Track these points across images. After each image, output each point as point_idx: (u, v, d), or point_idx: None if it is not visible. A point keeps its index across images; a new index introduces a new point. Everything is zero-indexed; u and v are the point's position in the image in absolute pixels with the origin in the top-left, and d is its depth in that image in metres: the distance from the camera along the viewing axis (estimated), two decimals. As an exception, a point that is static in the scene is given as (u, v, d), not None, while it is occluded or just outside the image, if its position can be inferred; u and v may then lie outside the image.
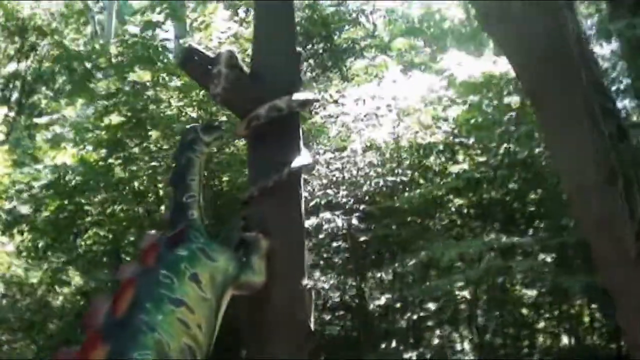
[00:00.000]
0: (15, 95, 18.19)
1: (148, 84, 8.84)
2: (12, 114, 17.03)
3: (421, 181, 8.21)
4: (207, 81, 4.89)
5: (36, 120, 14.16)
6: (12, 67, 17.69)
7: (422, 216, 8.06)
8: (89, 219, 9.42)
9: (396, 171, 7.85)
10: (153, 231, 5.22)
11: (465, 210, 8.41)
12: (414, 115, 7.94)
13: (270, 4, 5.40)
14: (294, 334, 4.74)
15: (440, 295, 7.41)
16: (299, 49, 5.60)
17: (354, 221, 7.37)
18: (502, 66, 7.39)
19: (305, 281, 4.93)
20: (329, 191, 7.51)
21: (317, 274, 7.37)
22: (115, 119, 8.86)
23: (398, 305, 7.59)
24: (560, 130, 3.87)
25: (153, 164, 8.87)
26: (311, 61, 16.60)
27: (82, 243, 9.83)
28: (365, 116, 8.00)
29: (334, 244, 7.68)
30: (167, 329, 3.97)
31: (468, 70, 7.56)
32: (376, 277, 7.89)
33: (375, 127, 7.98)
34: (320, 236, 7.32)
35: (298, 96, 5.06)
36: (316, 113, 8.94)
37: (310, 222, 7.07)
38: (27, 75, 16.83)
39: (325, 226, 7.23)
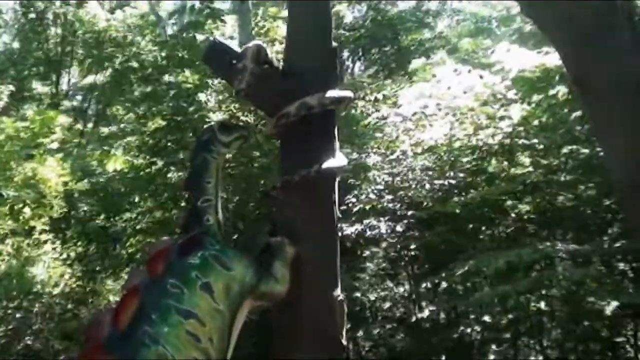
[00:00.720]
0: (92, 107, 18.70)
1: (189, 86, 8.72)
2: (90, 124, 17.77)
3: (477, 185, 7.82)
4: (232, 77, 4.66)
5: (107, 129, 14.57)
6: (89, 79, 18.33)
7: (478, 222, 7.70)
8: (137, 226, 9.52)
9: (449, 174, 7.48)
10: (165, 237, 5.02)
11: (526, 217, 7.97)
12: (469, 114, 7.57)
13: (305, -4, 5.13)
14: (323, 348, 4.46)
15: (492, 307, 6.97)
16: (335, 43, 5.31)
17: (403, 227, 7.05)
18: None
19: (337, 291, 4.63)
20: (375, 196, 7.21)
21: (362, 284, 7.11)
22: (158, 122, 8.81)
23: (449, 317, 7.21)
24: (610, 121, 3.47)
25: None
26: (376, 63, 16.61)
27: (124, 252, 9.83)
28: (414, 115, 7.68)
29: (381, 253, 7.39)
30: (174, 342, 3.73)
31: (522, 63, 7.12)
32: (427, 287, 7.53)
33: (427, 128, 7.68)
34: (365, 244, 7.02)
35: (331, 93, 4.76)
36: (367, 114, 8.79)
37: (353, 229, 6.87)
38: (104, 86, 17.19)
39: (370, 233, 6.92)
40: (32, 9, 21.19)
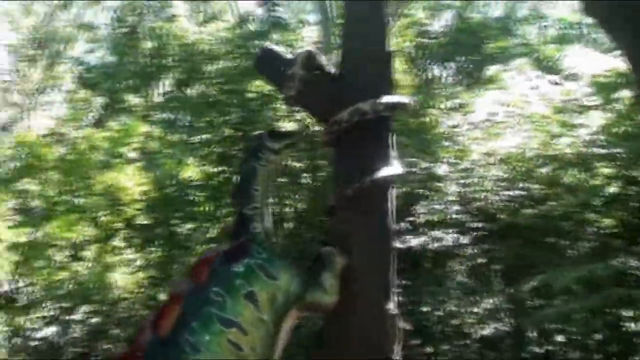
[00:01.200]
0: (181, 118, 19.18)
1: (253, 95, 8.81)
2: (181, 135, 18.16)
3: (553, 196, 7.49)
4: (282, 84, 4.61)
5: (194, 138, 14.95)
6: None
7: (554, 235, 7.36)
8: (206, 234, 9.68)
9: (522, 185, 7.20)
10: (213, 245, 5.00)
11: (608, 230, 7.58)
12: (543, 122, 7.28)
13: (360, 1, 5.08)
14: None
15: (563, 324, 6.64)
16: (390, 49, 5.18)
17: (471, 240, 6.83)
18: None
19: (390, 305, 4.49)
20: (444, 206, 7.01)
21: (429, 298, 6.91)
22: (226, 132, 8.95)
23: (520, 334, 6.91)
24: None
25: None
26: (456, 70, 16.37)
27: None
28: (486, 123, 7.45)
29: (448, 266, 7.18)
30: (215, 350, 3.67)
31: (595, 67, 6.78)
32: (496, 302, 7.26)
33: (499, 136, 7.45)
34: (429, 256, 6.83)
35: (386, 99, 4.64)
36: (440, 123, 8.63)
37: (418, 241, 6.72)
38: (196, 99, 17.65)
39: (436, 245, 6.72)
40: (125, 23, 22.32)
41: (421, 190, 8.15)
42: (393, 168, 4.68)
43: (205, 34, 17.68)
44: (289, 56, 4.77)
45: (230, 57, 11.97)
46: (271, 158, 4.47)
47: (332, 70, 4.82)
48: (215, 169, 10.35)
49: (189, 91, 16.98)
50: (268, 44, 5.01)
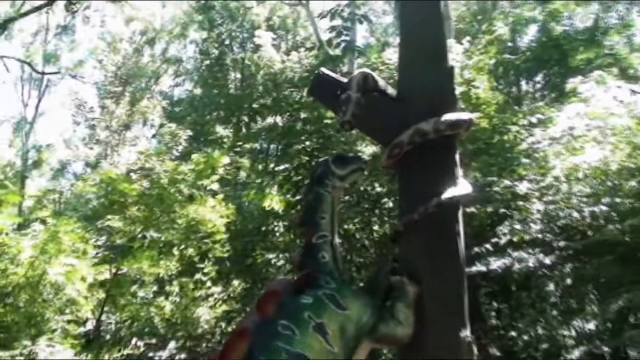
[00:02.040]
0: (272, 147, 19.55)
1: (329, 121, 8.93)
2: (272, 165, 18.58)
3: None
4: (338, 109, 4.55)
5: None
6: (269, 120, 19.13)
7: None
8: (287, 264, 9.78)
9: (607, 200, 6.87)
10: (280, 277, 4.93)
11: None
12: (627, 134, 6.94)
13: (416, 11, 4.98)
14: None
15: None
16: (452, 63, 5.05)
17: (555, 259, 6.54)
18: None
19: (465, 331, 4.30)
20: (525, 226, 6.76)
21: (514, 321, 6.65)
22: (300, 159, 9.12)
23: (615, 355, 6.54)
24: None
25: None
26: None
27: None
28: (566, 137, 7.17)
29: (534, 287, 6.90)
30: None
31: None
32: (582, 324, 6.92)
33: (581, 150, 7.14)
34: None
35: (448, 117, 4.51)
36: (521, 140, 8.42)
37: (500, 263, 6.49)
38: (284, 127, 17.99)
39: (518, 266, 6.48)
40: (210, 56, 22.79)
41: (503, 210, 7.98)
42: (460, 188, 4.53)
43: (290, 62, 18.04)
44: (344, 79, 4.71)
45: (308, 83, 12.11)
46: (337, 184, 4.44)
47: (390, 90, 4.74)
48: (294, 198, 10.45)
49: (271, 119, 17.35)
50: (323, 69, 4.91)
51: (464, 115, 4.73)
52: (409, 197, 4.59)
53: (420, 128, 4.42)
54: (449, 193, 4.41)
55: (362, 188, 10.06)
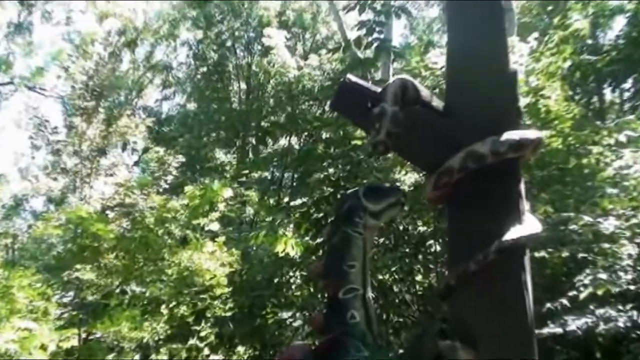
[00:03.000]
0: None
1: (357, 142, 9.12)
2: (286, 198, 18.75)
3: None
4: (369, 125, 4.53)
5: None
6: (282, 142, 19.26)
7: None
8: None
9: None
10: (299, 342, 4.98)
11: None
12: None
13: (468, 3, 5.01)
14: None
15: None
16: (514, 67, 5.08)
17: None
18: None
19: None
20: (608, 275, 6.74)
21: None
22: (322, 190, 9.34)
23: None
24: None
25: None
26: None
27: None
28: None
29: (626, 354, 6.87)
30: None
31: None
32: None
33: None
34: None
35: (509, 136, 4.53)
36: (605, 164, 8.42)
37: (580, 323, 6.47)
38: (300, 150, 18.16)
39: (604, 327, 6.45)
40: (208, 61, 22.62)
41: (583, 255, 7.95)
42: (527, 227, 4.54)
43: (309, 68, 18.00)
44: (377, 89, 4.72)
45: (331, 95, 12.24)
46: (370, 223, 4.48)
47: (436, 102, 4.77)
48: (315, 241, 10.53)
49: (285, 141, 17.36)
50: (349, 76, 4.94)
51: (531, 134, 4.73)
52: (461, 240, 4.62)
53: (474, 150, 4.45)
54: (513, 234, 4.42)
55: (401, 227, 10.06)
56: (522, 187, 4.69)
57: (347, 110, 5.04)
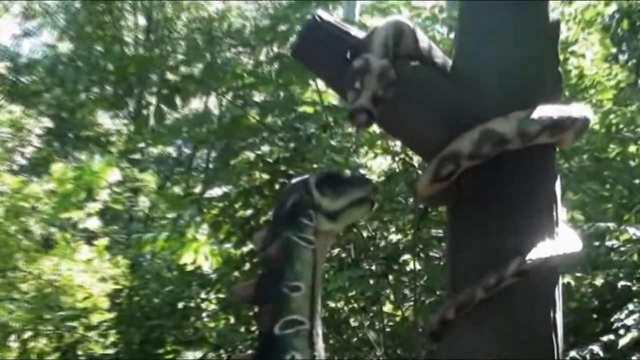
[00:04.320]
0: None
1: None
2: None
3: None
4: (345, 84, 4.50)
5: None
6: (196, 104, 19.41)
7: None
8: None
9: None
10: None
11: None
12: None
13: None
14: None
15: None
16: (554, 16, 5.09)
17: None
18: None
19: None
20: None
21: None
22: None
23: None
24: None
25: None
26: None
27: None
28: None
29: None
30: None
31: None
32: None
33: None
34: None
35: (543, 112, 4.54)
36: None
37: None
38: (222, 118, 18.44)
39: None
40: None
41: (625, 283, 8.08)
42: (562, 243, 4.59)
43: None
44: (359, 34, 4.72)
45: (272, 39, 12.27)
46: (324, 227, 4.51)
47: (440, 59, 4.78)
48: (240, 249, 10.66)
49: (200, 102, 17.24)
50: (321, 12, 4.89)
51: (575, 110, 4.76)
52: (466, 255, 4.66)
53: (493, 129, 4.45)
54: (540, 251, 4.44)
55: (365, 234, 10.14)
56: (558, 186, 4.75)
57: (315, 60, 4.98)
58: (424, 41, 4.70)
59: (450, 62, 4.82)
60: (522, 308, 4.46)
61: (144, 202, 13.47)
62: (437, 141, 4.54)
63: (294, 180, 4.98)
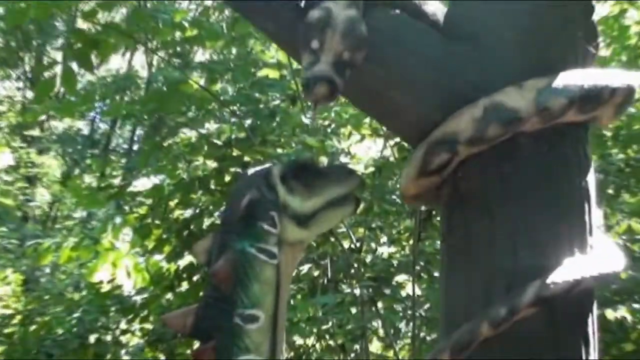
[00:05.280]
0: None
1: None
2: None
3: None
4: (302, 46, 4.53)
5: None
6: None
7: None
8: None
9: None
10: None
11: None
12: None
13: None
14: None
15: None
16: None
17: None
18: None
19: None
20: None
21: None
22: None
23: None
24: None
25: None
26: None
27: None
28: None
29: None
30: None
31: None
32: None
33: None
34: None
35: (572, 79, 4.60)
36: None
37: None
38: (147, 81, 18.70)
39: None
40: None
41: None
42: (598, 259, 4.63)
43: None
44: None
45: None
46: (292, 235, 4.55)
47: (432, 7, 4.88)
48: (176, 263, 10.59)
49: (121, 61, 17.17)
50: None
51: (615, 77, 4.80)
52: (464, 277, 4.72)
53: (501, 104, 4.51)
54: (568, 271, 4.47)
55: (347, 246, 10.14)
56: (592, 180, 4.79)
57: (255, 9, 5.06)
58: None
59: (444, 10, 4.87)
60: (542, 348, 4.48)
61: (43, 195, 13.44)
62: (426, 119, 4.60)
63: (251, 171, 4.90)
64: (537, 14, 4.70)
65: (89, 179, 17.18)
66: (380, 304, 10.18)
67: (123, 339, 11.50)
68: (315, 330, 10.21)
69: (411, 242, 9.85)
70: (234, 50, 11.13)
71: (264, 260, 4.45)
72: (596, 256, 4.59)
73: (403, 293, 10.20)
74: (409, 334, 9.99)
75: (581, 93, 4.54)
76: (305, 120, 10.25)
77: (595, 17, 5.09)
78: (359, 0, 4.45)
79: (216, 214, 10.26)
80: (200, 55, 12.07)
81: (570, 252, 4.51)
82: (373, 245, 10.21)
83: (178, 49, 11.83)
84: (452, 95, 4.55)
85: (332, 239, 9.71)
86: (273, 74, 10.58)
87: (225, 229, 4.61)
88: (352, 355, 10.50)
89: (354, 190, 4.77)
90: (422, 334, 9.73)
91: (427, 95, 4.64)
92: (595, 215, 4.71)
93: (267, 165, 4.84)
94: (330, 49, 4.34)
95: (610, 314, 8.34)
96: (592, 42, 4.98)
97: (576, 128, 4.67)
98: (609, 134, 9.30)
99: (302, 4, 4.52)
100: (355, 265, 10.20)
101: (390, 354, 10.33)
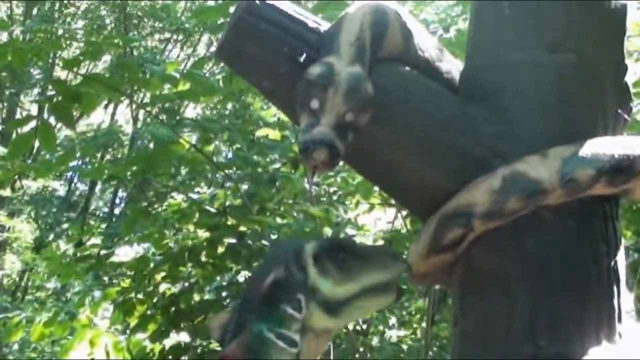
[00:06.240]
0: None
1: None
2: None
3: None
4: (298, 103, 4.54)
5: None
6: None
7: None
8: None
9: None
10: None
11: None
12: None
13: None
14: None
15: None
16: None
17: None
18: None
19: None
20: None
21: None
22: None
23: None
24: None
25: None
26: None
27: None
28: None
29: None
30: None
31: None
32: None
33: None
34: None
35: (600, 147, 4.60)
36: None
37: None
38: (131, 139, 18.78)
39: None
40: None
41: None
42: (627, 348, 4.62)
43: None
44: (321, 24, 4.75)
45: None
46: (318, 324, 4.36)
47: (447, 64, 4.89)
48: (161, 344, 10.68)
49: (100, 115, 17.26)
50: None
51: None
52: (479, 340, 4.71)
53: (521, 174, 4.52)
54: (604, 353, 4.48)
55: (352, 328, 10.10)
56: (623, 260, 4.80)
57: (251, 64, 4.97)
58: (419, 35, 4.77)
59: (460, 67, 4.89)
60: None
61: (13, 263, 13.45)
62: (437, 188, 4.61)
63: (280, 245, 4.87)
64: (564, 73, 4.73)
65: (65, 246, 17.15)
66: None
67: None
68: None
69: (423, 324, 9.77)
70: (229, 106, 11.07)
71: (282, 348, 4.25)
72: (625, 346, 4.57)
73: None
74: None
75: (611, 163, 4.52)
76: (307, 186, 10.25)
77: (629, 78, 5.06)
78: (364, 56, 4.46)
79: (207, 289, 10.22)
80: (191, 109, 12.04)
81: (596, 341, 4.49)
82: (381, 327, 10.10)
83: (167, 104, 11.77)
84: (467, 161, 4.57)
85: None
86: (273, 134, 10.56)
87: (243, 308, 4.43)
88: None
89: (397, 277, 4.61)
90: None
91: (438, 160, 4.63)
92: (626, 299, 4.69)
93: (298, 241, 4.73)
94: (332, 110, 4.35)
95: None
96: (624, 106, 4.99)
97: (605, 202, 4.68)
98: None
99: (302, 58, 4.50)
100: (361, 349, 10.16)
101: None
